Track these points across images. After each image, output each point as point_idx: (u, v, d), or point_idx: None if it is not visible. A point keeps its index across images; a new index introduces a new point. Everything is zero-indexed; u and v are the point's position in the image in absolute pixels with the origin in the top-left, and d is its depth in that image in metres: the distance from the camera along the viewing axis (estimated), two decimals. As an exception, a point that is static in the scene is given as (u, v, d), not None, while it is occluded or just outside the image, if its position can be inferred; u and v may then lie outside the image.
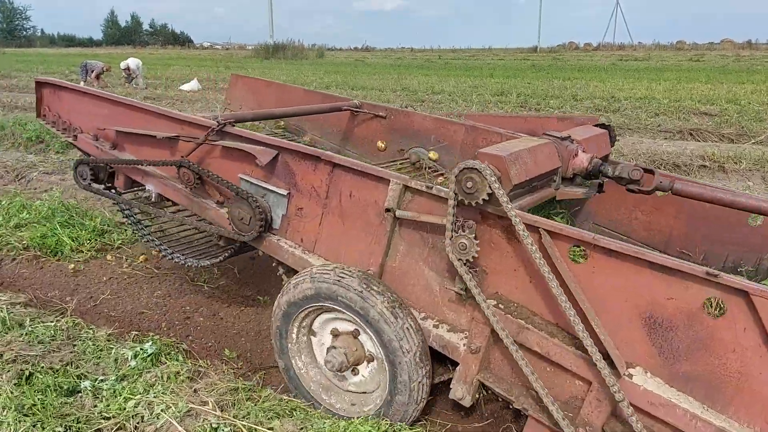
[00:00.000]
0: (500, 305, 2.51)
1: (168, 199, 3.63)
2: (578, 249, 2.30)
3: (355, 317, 2.71)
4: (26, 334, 3.65)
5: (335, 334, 2.91)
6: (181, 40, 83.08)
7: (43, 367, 3.25)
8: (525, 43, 66.25)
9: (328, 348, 2.88)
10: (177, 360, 3.48)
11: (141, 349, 3.48)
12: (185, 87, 21.03)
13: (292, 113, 4.08)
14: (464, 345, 2.62)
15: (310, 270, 2.80)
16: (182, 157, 3.33)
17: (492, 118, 4.12)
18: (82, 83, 18.52)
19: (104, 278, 4.87)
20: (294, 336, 2.99)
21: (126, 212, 3.95)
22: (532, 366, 2.39)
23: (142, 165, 3.48)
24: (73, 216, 5.88)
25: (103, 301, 4.49)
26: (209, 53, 55.70)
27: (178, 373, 3.24)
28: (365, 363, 2.89)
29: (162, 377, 3.20)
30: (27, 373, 3.19)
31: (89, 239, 5.42)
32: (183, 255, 3.74)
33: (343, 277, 2.68)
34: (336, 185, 2.91)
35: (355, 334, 2.84)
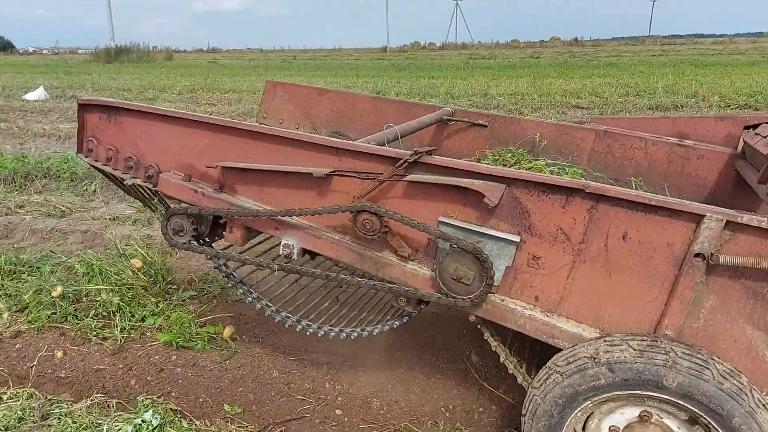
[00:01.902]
0: None
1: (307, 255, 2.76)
2: None
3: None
4: (-12, 423, 2.83)
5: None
6: (1, 46, 74.59)
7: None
8: (373, 44, 66.94)
9: None
10: (183, 429, 2.88)
11: (142, 421, 2.83)
12: (30, 96, 18.58)
13: (411, 130, 3.32)
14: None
15: (626, 345, 2.12)
16: (355, 198, 2.51)
17: (627, 121, 3.66)
18: None
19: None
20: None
21: (235, 282, 2.97)
22: None
23: (297, 214, 2.59)
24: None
25: (43, 360, 3.58)
26: (38, 59, 50.17)
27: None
28: None
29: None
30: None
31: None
32: (349, 327, 2.89)
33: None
34: (600, 225, 2.26)
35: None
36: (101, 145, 2.98)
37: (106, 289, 4.04)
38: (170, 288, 4.41)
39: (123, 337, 3.78)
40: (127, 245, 4.58)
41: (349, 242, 2.64)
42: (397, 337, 3.77)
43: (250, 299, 2.91)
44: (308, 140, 2.61)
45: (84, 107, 2.96)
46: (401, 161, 2.44)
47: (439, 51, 52.46)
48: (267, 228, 2.75)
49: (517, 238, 2.38)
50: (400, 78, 24.42)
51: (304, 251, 2.73)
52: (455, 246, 2.40)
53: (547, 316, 2.40)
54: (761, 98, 14.36)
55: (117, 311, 3.97)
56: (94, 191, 7.55)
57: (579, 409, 2.21)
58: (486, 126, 3.79)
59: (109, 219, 6.50)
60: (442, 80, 22.46)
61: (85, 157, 3.03)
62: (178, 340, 3.70)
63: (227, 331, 3.81)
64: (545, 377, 2.26)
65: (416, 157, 2.42)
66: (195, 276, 4.70)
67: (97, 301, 4.03)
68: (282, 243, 2.71)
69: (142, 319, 3.96)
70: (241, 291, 2.93)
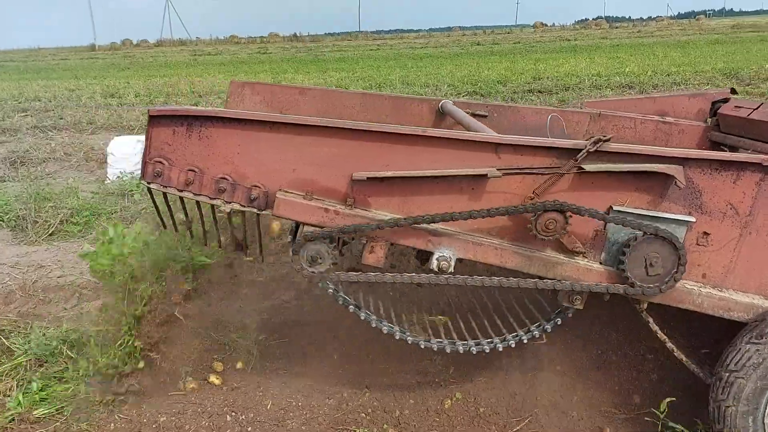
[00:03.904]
0: None
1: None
2: None
3: None
4: None
5: None
6: None
7: None
8: (77, 42, 60.80)
9: None
10: None
11: None
12: None
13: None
14: None
15: None
16: (530, 196, 2.31)
17: (615, 103, 3.87)
18: None
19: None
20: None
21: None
22: None
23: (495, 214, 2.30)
24: None
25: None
26: None
27: None
28: None
29: None
30: None
31: None
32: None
33: None
34: (766, 195, 2.38)
35: None
36: (174, 167, 2.27)
37: None
38: None
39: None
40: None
41: (512, 245, 2.41)
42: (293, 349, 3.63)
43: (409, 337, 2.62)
44: (464, 138, 2.31)
45: (158, 119, 2.22)
46: (582, 151, 2.29)
47: (157, 48, 49.69)
48: (417, 242, 2.38)
49: (692, 219, 2.39)
50: (129, 78, 22.76)
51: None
52: (650, 234, 2.33)
53: (719, 291, 2.46)
54: (483, 85, 16.17)
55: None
56: None
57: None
58: (486, 116, 3.72)
59: None
60: (176, 78, 21.34)
61: (155, 184, 2.28)
62: None
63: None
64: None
65: (597, 146, 2.29)
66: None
67: None
68: (436, 256, 2.37)
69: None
70: (386, 327, 2.60)
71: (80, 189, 7.23)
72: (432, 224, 2.33)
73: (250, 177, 2.32)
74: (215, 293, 3.98)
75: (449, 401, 3.18)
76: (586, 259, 2.45)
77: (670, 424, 2.83)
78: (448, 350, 2.64)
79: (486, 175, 2.30)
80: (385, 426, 3.00)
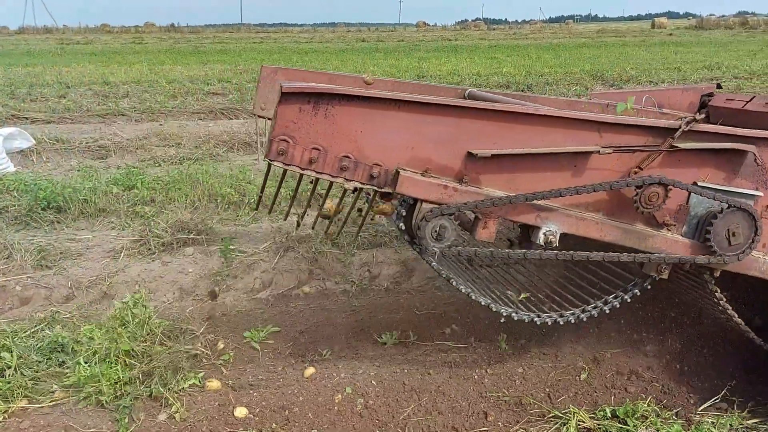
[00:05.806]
0: None
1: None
2: None
3: None
4: None
5: None
6: None
7: None
8: None
9: None
10: None
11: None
12: None
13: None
14: None
15: None
16: (635, 171, 2.45)
17: (617, 95, 4.09)
18: None
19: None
20: None
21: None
22: None
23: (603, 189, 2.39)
24: None
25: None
26: None
27: None
28: None
29: None
30: None
31: None
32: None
33: None
34: None
35: None
36: (299, 145, 2.16)
37: None
38: None
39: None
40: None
41: (608, 220, 2.53)
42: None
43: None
44: (573, 117, 2.38)
45: (290, 96, 2.08)
46: (679, 130, 2.43)
47: (19, 35, 45.98)
48: (528, 217, 2.43)
49: (759, 193, 2.60)
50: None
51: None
52: (732, 207, 2.51)
53: (779, 259, 2.71)
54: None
55: None
56: None
57: None
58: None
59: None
60: (41, 68, 19.70)
61: (279, 162, 2.16)
62: None
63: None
64: None
65: (690, 125, 2.44)
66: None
67: None
68: (543, 231, 2.43)
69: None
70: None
71: (-72, 188, 6.38)
72: (542, 200, 2.39)
73: (370, 155, 2.26)
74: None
75: (339, 396, 3.18)
76: (670, 232, 2.61)
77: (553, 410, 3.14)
78: (515, 318, 2.73)
79: (589, 152, 2.39)
80: (274, 425, 2.96)
